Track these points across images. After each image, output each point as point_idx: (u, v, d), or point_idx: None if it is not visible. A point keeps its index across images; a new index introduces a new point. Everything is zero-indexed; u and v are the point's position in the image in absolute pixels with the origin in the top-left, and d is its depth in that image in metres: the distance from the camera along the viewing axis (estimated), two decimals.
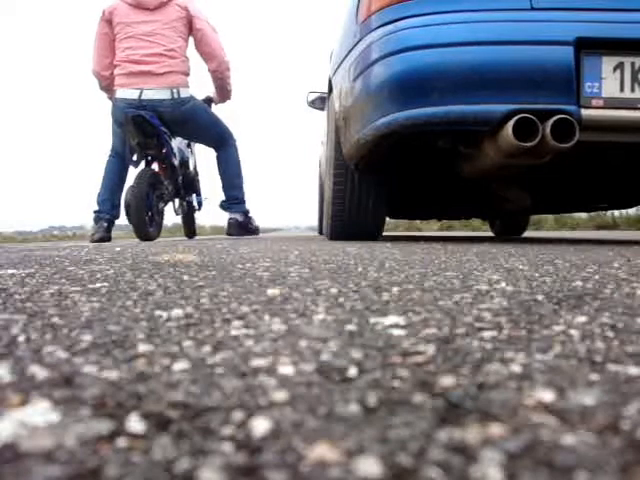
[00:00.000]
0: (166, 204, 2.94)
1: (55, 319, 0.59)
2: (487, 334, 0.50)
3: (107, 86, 2.80)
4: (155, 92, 2.54)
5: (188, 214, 3.43)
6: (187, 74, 2.72)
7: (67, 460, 0.25)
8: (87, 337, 0.50)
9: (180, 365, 0.40)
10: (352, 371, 0.39)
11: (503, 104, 1.42)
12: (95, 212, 2.85)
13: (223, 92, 3.01)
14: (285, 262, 1.34)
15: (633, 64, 1.38)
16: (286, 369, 0.39)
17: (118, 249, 2.12)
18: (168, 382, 0.36)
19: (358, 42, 1.68)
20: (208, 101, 3.00)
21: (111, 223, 2.85)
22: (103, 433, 0.28)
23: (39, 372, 0.38)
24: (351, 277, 0.99)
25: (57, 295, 0.78)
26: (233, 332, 0.52)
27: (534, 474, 0.23)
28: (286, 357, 0.42)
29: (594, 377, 0.37)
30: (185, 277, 1.00)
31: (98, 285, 0.89)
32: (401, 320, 0.57)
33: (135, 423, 0.29)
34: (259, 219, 3.47)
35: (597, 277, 0.97)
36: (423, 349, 0.45)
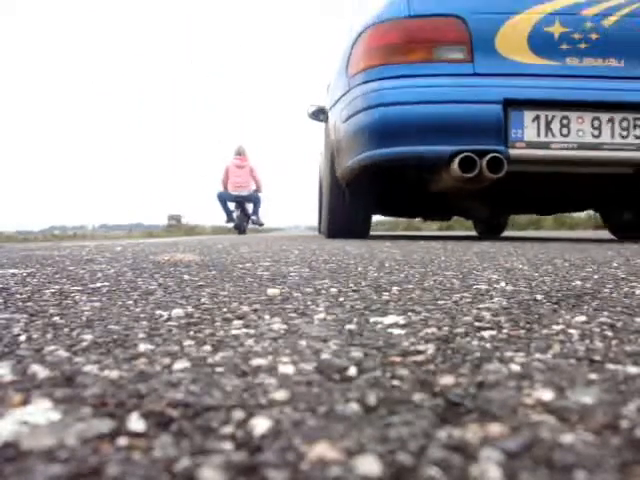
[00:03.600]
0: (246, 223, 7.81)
1: (56, 318, 0.59)
2: (486, 333, 0.51)
3: (225, 187, 7.55)
4: (244, 193, 7.52)
5: (245, 225, 7.78)
6: (249, 184, 7.63)
7: (68, 459, 0.25)
8: (88, 336, 0.50)
9: (180, 364, 0.40)
10: (352, 370, 0.39)
11: (452, 146, 1.94)
12: (228, 217, 7.67)
13: (259, 190, 7.86)
14: (285, 262, 1.34)
15: (547, 116, 1.91)
16: (286, 368, 0.39)
17: (119, 249, 2.12)
18: (169, 381, 0.36)
19: (348, 91, 2.22)
20: (256, 191, 7.85)
21: (233, 219, 7.73)
22: (104, 432, 0.28)
23: (40, 371, 0.38)
24: (351, 277, 0.99)
25: (58, 295, 0.78)
26: (233, 331, 0.52)
27: (533, 473, 0.24)
28: (286, 356, 0.43)
29: (593, 376, 0.37)
30: (185, 277, 1.00)
31: (99, 285, 0.89)
32: (401, 319, 0.57)
33: (136, 422, 0.29)
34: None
35: (596, 277, 0.97)
36: (423, 348, 0.45)
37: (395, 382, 0.36)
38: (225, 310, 0.64)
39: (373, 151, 2.06)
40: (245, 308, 0.65)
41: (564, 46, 1.96)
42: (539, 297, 0.72)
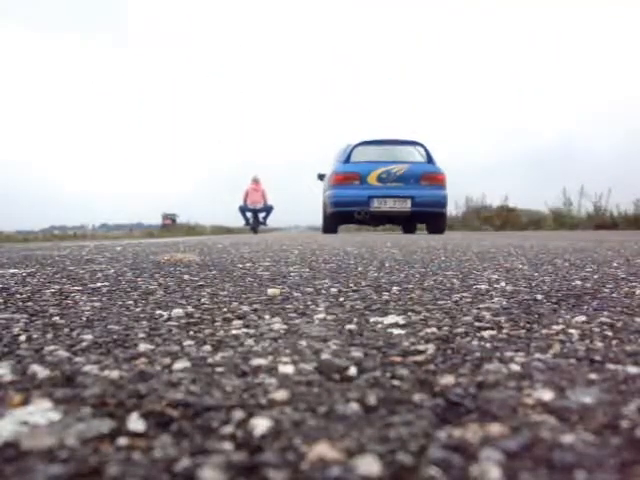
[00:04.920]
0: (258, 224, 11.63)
1: (56, 318, 0.59)
2: (486, 333, 0.50)
3: (245, 202, 11.60)
4: (257, 206, 11.57)
5: (257, 227, 11.46)
6: (262, 200, 11.77)
7: (68, 459, 0.25)
8: (88, 336, 0.50)
9: (181, 364, 0.40)
10: (352, 370, 0.39)
11: (354, 208, 7.01)
12: (246, 222, 11.82)
13: (266, 203, 12.01)
14: (285, 262, 1.34)
15: (381, 199, 6.92)
16: (286, 368, 0.39)
17: (119, 249, 2.12)
18: (169, 381, 0.36)
19: (329, 188, 7.59)
20: (270, 208, 11.97)
21: (250, 223, 11.94)
22: (104, 432, 0.28)
23: (40, 371, 0.38)
24: (351, 277, 0.99)
25: (58, 294, 0.78)
26: (233, 331, 0.52)
27: (533, 473, 0.24)
28: (286, 356, 0.43)
29: (593, 376, 0.37)
30: (185, 276, 1.00)
31: (99, 284, 0.89)
32: (401, 319, 0.57)
33: (136, 422, 0.29)
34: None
35: (596, 277, 0.97)
36: (423, 348, 0.45)
37: (395, 382, 0.36)
38: (225, 310, 0.64)
39: (332, 209, 7.04)
40: (245, 308, 0.65)
41: (386, 179, 6.88)
42: (539, 297, 0.72)
